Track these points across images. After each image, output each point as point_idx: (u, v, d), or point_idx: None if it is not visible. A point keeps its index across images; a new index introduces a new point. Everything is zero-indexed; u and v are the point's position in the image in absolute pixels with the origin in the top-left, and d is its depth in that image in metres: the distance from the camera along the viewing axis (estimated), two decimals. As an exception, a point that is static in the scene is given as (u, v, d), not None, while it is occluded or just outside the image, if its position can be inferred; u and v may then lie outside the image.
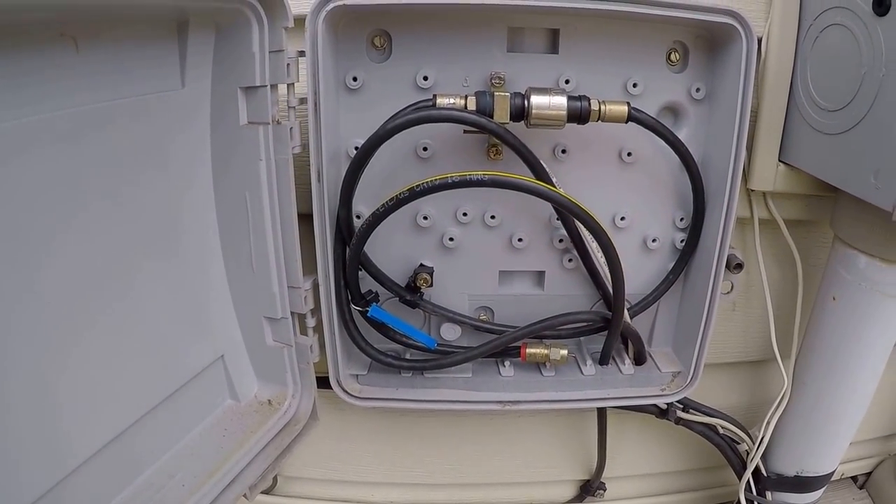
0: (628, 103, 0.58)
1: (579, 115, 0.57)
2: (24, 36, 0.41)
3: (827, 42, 0.62)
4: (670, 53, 0.63)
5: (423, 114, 0.56)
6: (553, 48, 0.62)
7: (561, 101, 0.57)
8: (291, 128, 0.58)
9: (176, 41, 0.54)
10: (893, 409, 0.98)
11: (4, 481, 0.45)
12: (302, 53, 0.56)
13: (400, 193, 0.56)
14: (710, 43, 0.63)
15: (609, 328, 0.67)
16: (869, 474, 1.04)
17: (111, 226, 0.51)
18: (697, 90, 0.64)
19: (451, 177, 0.56)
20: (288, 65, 0.56)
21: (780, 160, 0.70)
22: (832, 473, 0.79)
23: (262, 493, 0.88)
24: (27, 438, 0.46)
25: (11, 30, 0.40)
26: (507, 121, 0.57)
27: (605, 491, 0.91)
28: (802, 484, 0.78)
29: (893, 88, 0.52)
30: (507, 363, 0.71)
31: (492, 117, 0.57)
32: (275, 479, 0.89)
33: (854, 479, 1.04)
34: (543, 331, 0.66)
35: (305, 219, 0.61)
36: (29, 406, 0.46)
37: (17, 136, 0.42)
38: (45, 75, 0.44)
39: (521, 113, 0.57)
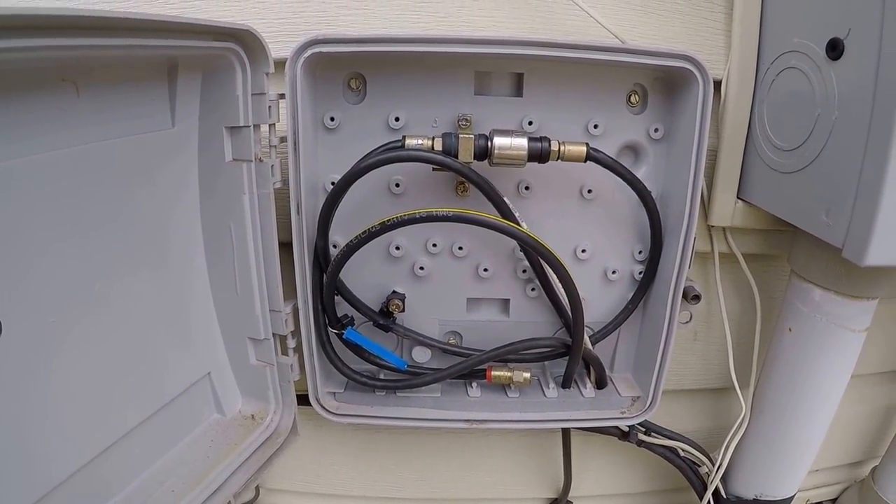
0: (587, 144, 0.61)
1: (539, 155, 0.61)
2: (30, 81, 0.46)
3: (783, 85, 0.65)
4: (630, 96, 0.66)
5: (392, 154, 0.60)
6: (518, 91, 0.66)
7: (522, 142, 0.60)
8: (273, 164, 0.62)
9: (166, 85, 0.58)
10: (859, 437, 1.00)
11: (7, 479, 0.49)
12: (282, 96, 0.60)
13: (372, 227, 0.61)
14: (669, 85, 0.66)
15: (570, 354, 0.70)
16: (834, 500, 1.05)
17: (106, 253, 0.55)
18: (656, 130, 0.67)
19: (419, 213, 0.60)
20: (269, 107, 0.60)
21: (738, 197, 0.73)
22: (792, 498, 0.81)
23: (244, 503, 0.93)
24: (21, 447, 0.50)
25: (19, 76, 0.44)
26: (471, 160, 0.61)
27: (572, 509, 0.94)
28: (762, 507, 0.80)
29: (845, 130, 0.55)
30: (474, 384, 0.74)
31: (457, 157, 0.60)
32: (257, 490, 0.92)
33: None
34: (507, 355, 0.69)
35: (286, 247, 0.64)
36: (23, 415, 0.50)
37: (22, 172, 0.47)
38: (48, 116, 0.48)
39: (484, 153, 0.61)
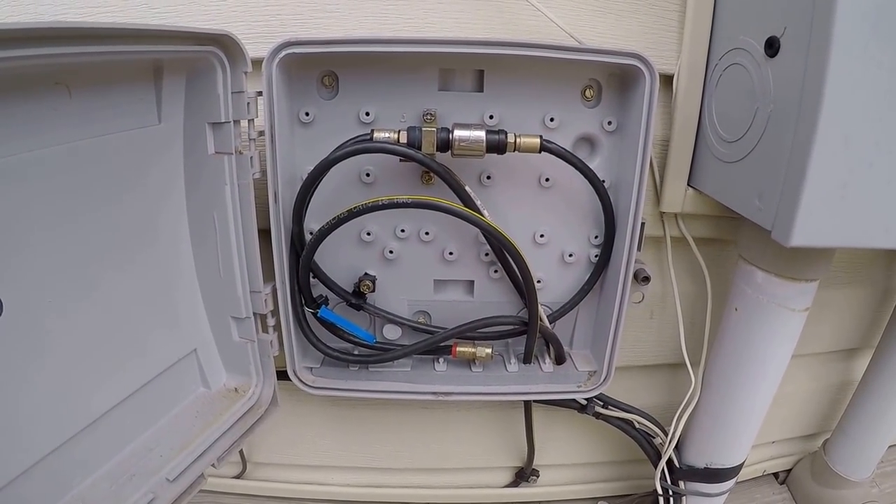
0: (541, 136, 0.66)
1: (497, 146, 0.65)
2: (26, 85, 0.50)
3: (728, 80, 0.69)
4: (585, 90, 0.70)
5: (360, 146, 0.65)
6: (479, 87, 0.70)
7: (480, 134, 0.65)
8: (252, 157, 0.66)
9: (153, 84, 0.62)
10: (812, 412, 1.05)
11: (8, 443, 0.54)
12: (260, 93, 0.64)
13: (341, 214, 0.66)
14: (621, 81, 0.70)
15: (527, 331, 0.75)
16: (789, 471, 1.10)
17: (98, 240, 0.60)
18: (609, 123, 0.71)
19: (382, 200, 0.65)
20: (248, 103, 0.64)
21: (689, 185, 0.77)
22: (741, 466, 0.86)
23: (233, 477, 0.99)
24: (21, 413, 0.55)
25: (15, 81, 0.49)
26: (434, 152, 0.65)
27: (538, 477, 0.99)
28: (712, 475, 0.85)
29: (779, 122, 0.59)
30: (441, 360, 0.80)
31: (420, 149, 0.65)
32: (244, 464, 0.98)
33: (776, 475, 1.11)
34: (468, 332, 0.74)
35: (265, 233, 0.69)
36: (22, 385, 0.55)
37: (19, 167, 0.51)
38: (42, 116, 0.52)
39: (446, 145, 0.65)
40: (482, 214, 0.68)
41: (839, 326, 0.97)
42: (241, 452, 0.98)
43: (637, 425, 0.86)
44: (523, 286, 0.73)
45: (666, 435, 0.85)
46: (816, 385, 1.02)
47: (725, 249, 0.84)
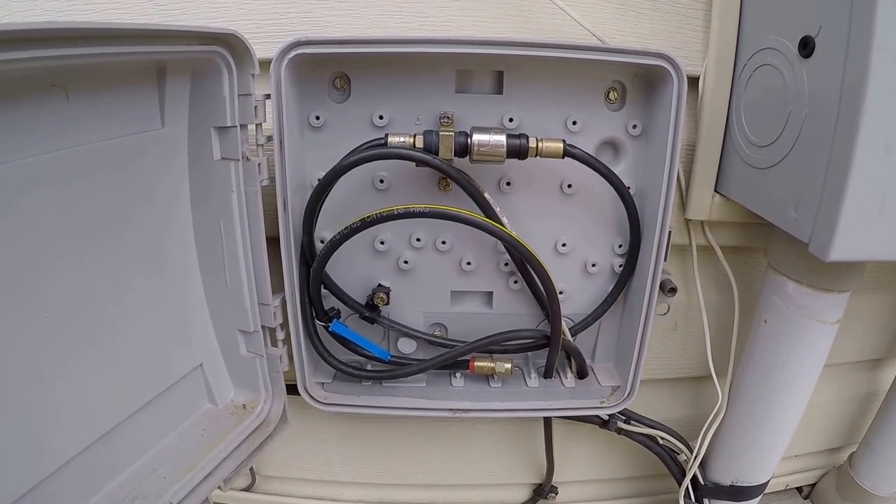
0: (563, 140, 0.63)
1: (518, 151, 0.62)
2: (20, 88, 0.47)
3: (759, 81, 0.66)
4: (609, 92, 0.67)
5: (374, 152, 0.61)
6: (498, 89, 0.67)
7: (500, 139, 0.62)
8: (260, 163, 0.63)
9: (156, 87, 0.59)
10: (837, 424, 1.02)
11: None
12: (268, 96, 0.61)
13: (353, 223, 0.63)
14: (646, 82, 0.67)
15: (549, 345, 0.72)
16: (813, 485, 1.07)
17: (103, 249, 0.57)
18: (634, 126, 0.68)
19: (397, 209, 0.62)
20: (255, 107, 0.61)
21: (716, 191, 0.74)
22: (767, 483, 0.83)
23: (241, 489, 0.96)
24: (24, 433, 0.52)
25: (8, 83, 0.46)
26: (452, 157, 0.62)
27: (556, 494, 0.97)
28: (738, 492, 0.82)
29: (815, 127, 0.56)
30: (458, 375, 0.76)
31: (437, 154, 0.62)
32: (253, 477, 0.95)
33: (799, 489, 1.08)
34: (489, 346, 0.71)
35: (274, 242, 0.66)
36: (26, 406, 0.52)
37: (17, 176, 0.48)
38: (39, 122, 0.49)
39: (464, 150, 0.62)
40: (502, 223, 0.65)
41: (864, 335, 0.94)
42: (249, 465, 0.95)
43: (661, 441, 0.83)
44: (545, 298, 0.69)
45: (690, 451, 0.82)
46: (841, 396, 0.99)
47: (752, 257, 0.82)
